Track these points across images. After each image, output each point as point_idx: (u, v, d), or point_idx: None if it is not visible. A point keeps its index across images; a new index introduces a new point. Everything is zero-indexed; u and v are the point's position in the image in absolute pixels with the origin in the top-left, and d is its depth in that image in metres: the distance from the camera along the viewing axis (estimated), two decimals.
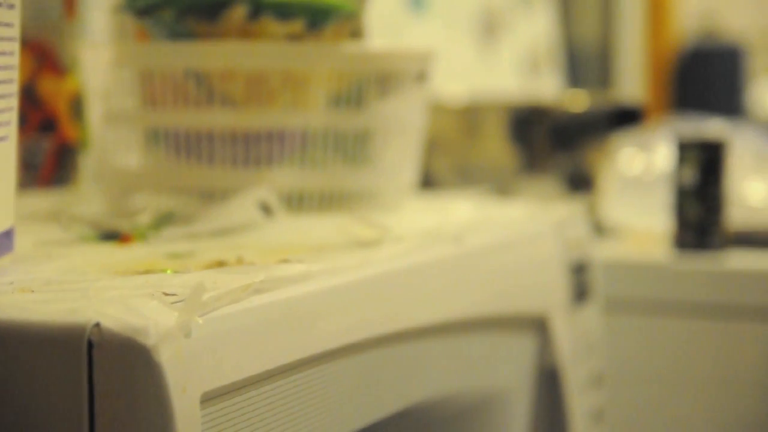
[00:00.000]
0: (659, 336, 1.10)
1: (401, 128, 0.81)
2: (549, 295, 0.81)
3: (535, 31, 1.47)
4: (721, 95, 2.37)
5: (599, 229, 1.21)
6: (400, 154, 0.81)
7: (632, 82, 2.32)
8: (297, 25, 0.76)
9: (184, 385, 0.44)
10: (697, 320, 1.09)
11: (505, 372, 0.77)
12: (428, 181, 1.14)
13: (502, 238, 0.77)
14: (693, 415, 1.09)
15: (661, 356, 1.10)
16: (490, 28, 1.40)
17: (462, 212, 0.84)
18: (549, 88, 1.49)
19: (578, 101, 1.20)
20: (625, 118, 1.11)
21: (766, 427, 1.07)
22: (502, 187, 1.14)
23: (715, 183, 1.08)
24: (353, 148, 0.78)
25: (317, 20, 0.76)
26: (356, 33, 0.80)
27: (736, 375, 1.08)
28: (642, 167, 1.33)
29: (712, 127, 1.42)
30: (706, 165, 1.07)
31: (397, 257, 0.63)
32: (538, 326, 0.80)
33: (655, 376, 1.10)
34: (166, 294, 0.47)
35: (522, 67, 1.45)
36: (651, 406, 1.10)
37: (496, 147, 1.16)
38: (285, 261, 0.56)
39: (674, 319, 1.10)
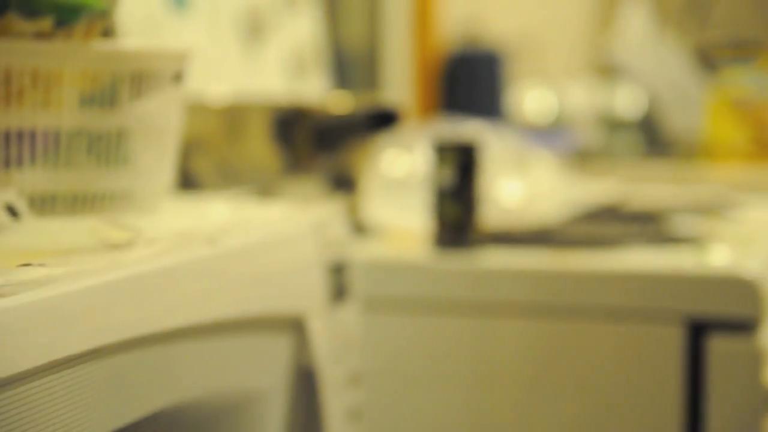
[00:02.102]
0: (419, 334, 1.12)
1: (157, 129, 0.80)
2: (306, 295, 0.81)
3: (301, 32, 1.48)
4: (485, 98, 2.43)
5: (361, 229, 1.22)
6: (157, 155, 0.80)
7: (399, 84, 2.36)
8: (45, 23, 0.74)
9: None
10: (455, 318, 1.11)
11: (261, 373, 0.77)
12: (190, 183, 1.13)
13: (259, 240, 0.77)
14: (452, 412, 1.11)
15: (420, 354, 1.12)
16: (254, 29, 1.40)
17: (219, 214, 0.84)
18: (315, 90, 1.50)
19: (341, 103, 1.21)
20: (386, 119, 1.13)
21: (523, 422, 1.10)
22: (265, 189, 1.14)
23: (471, 184, 1.10)
24: (107, 148, 0.77)
25: (66, 18, 0.74)
26: (109, 31, 0.79)
27: (493, 371, 1.10)
28: (403, 168, 1.36)
29: (470, 128, 1.45)
30: (462, 166, 1.10)
31: (147, 259, 0.63)
32: (296, 327, 0.80)
33: (415, 374, 1.12)
34: None
35: (288, 68, 1.45)
36: (411, 404, 1.12)
37: (259, 148, 1.16)
38: (26, 265, 0.55)
39: (433, 317, 1.12)
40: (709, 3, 2.91)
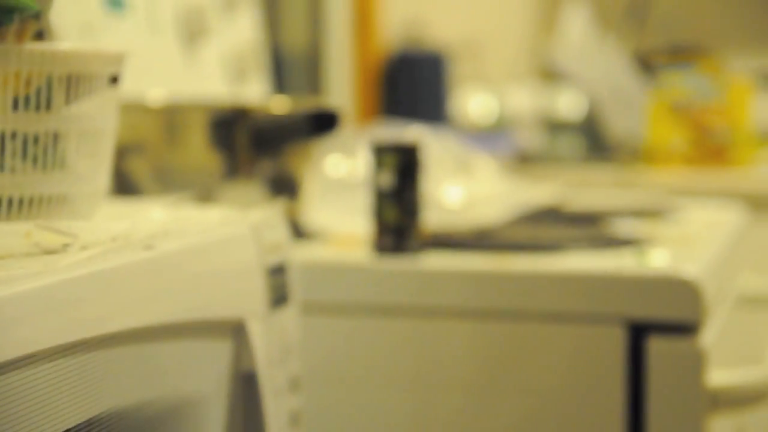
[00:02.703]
0: (360, 337, 1.12)
1: (93, 132, 0.79)
2: (246, 299, 0.81)
3: (241, 36, 1.47)
4: (427, 101, 2.44)
5: (302, 232, 1.21)
6: (93, 158, 0.79)
7: (340, 88, 2.35)
8: None
9: None
10: (397, 321, 1.11)
11: (200, 378, 0.76)
12: (127, 187, 1.12)
13: (196, 243, 0.76)
14: (394, 415, 1.11)
15: (362, 357, 1.12)
16: (194, 32, 1.39)
17: (156, 218, 0.83)
18: (256, 93, 1.49)
19: (281, 106, 1.20)
20: (327, 123, 1.12)
21: (466, 425, 1.10)
22: (204, 193, 1.13)
23: (411, 187, 1.10)
24: (42, 152, 0.76)
25: None
26: (43, 33, 0.78)
27: (435, 374, 1.10)
28: (345, 171, 1.35)
29: (411, 132, 1.45)
30: (401, 169, 1.10)
31: (82, 264, 0.62)
32: (235, 331, 0.80)
33: (356, 377, 1.12)
34: None
35: (228, 72, 1.44)
36: (353, 409, 1.12)
37: (198, 151, 1.15)
38: None
39: (374, 320, 1.11)
40: (647, 9, 2.94)
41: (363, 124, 2.31)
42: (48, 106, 0.75)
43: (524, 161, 2.55)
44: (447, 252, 1.15)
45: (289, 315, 0.87)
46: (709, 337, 1.07)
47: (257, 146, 1.14)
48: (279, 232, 0.88)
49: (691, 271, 1.06)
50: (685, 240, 1.29)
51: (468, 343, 1.09)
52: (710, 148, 2.47)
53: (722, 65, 2.75)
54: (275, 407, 0.83)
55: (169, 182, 1.14)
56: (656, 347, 1.05)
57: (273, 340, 0.84)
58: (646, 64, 2.76)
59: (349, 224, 1.26)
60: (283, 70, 2.22)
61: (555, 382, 1.07)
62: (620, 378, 1.06)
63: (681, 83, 2.50)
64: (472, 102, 2.69)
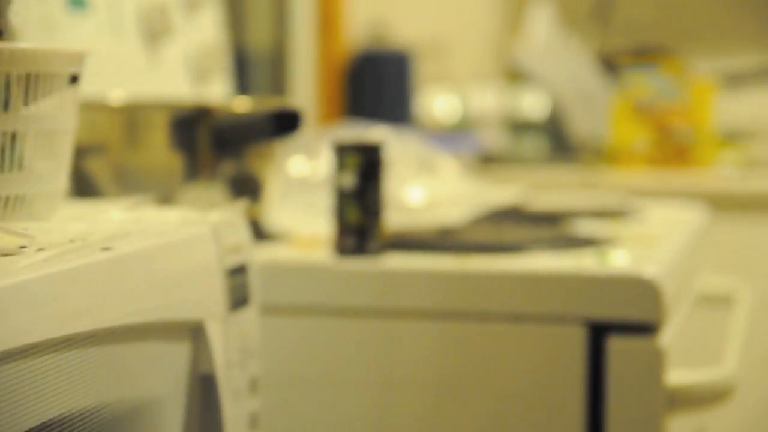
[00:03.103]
0: (321, 338, 1.12)
1: (52, 132, 0.79)
2: (205, 301, 0.81)
3: (204, 36, 1.47)
4: (391, 102, 2.43)
5: (264, 234, 1.21)
6: (51, 159, 0.79)
7: (304, 89, 2.35)
8: None
9: None
10: (359, 322, 1.11)
11: (158, 380, 0.75)
12: (86, 188, 1.11)
13: (155, 245, 0.76)
14: (356, 417, 1.11)
15: (323, 359, 1.12)
16: (156, 32, 1.38)
17: (115, 219, 0.83)
18: (218, 94, 1.49)
19: (241, 106, 1.20)
20: (289, 123, 1.12)
21: (429, 426, 1.10)
22: (165, 194, 1.13)
23: (373, 187, 1.10)
24: (0, 152, 0.75)
25: None
26: (2, 32, 0.77)
27: (397, 374, 1.10)
28: (307, 172, 1.35)
29: (374, 132, 1.45)
30: (363, 169, 1.10)
31: (39, 265, 0.61)
32: (194, 333, 0.80)
33: (317, 378, 1.12)
34: None
35: (190, 72, 1.44)
36: (313, 410, 1.12)
37: (159, 151, 1.14)
38: None
39: (336, 321, 1.11)
40: (611, 10, 2.95)
41: (327, 125, 2.31)
42: (6, 106, 0.75)
43: (488, 161, 2.55)
44: (409, 253, 1.15)
45: (249, 316, 0.87)
46: (668, 336, 1.08)
47: (219, 146, 1.14)
48: (240, 233, 0.87)
49: (651, 271, 1.06)
50: (646, 240, 1.29)
51: (430, 343, 1.09)
52: (673, 148, 2.48)
53: (685, 66, 2.77)
54: (234, 409, 0.83)
55: (130, 183, 1.13)
56: (616, 347, 1.05)
57: (232, 341, 0.83)
58: (610, 65, 2.77)
59: (311, 225, 1.26)
60: (247, 71, 2.22)
61: (517, 382, 1.08)
62: (581, 377, 1.06)
63: (644, 84, 2.52)
64: (437, 102, 2.69)
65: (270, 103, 1.16)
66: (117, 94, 1.17)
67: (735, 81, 2.79)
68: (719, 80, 2.69)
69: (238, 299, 0.85)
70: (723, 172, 2.54)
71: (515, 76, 2.78)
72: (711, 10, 3.02)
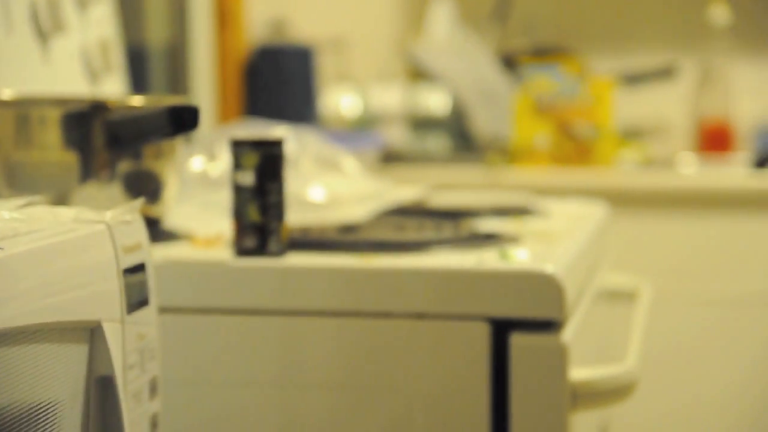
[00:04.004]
0: (224, 339, 1.10)
1: None
2: (102, 301, 0.79)
3: (98, 33, 1.44)
4: (294, 100, 2.42)
5: (163, 233, 1.19)
6: None
7: (205, 86, 2.33)
8: None
9: None
10: (261, 320, 1.10)
11: (55, 382, 0.74)
12: None
13: (49, 245, 0.74)
14: (260, 417, 1.10)
15: (226, 359, 1.10)
16: (49, 29, 1.35)
17: (5, 219, 0.80)
18: (114, 92, 1.46)
19: (138, 104, 1.18)
20: (186, 119, 1.10)
21: (332, 425, 1.09)
22: (60, 194, 1.10)
23: (273, 185, 1.09)
24: None
25: None
26: None
27: (301, 373, 1.09)
28: (207, 170, 1.33)
29: (274, 130, 1.44)
30: (262, 167, 1.08)
31: None
32: (91, 334, 0.78)
33: (221, 379, 1.10)
34: None
35: (85, 70, 1.41)
36: (216, 411, 1.10)
37: (52, 150, 1.12)
38: None
39: (237, 321, 1.10)
40: (510, 9, 2.97)
41: (227, 123, 2.29)
42: None
43: (390, 160, 2.55)
44: (311, 251, 1.14)
45: (148, 317, 0.85)
46: (571, 332, 1.08)
47: (114, 144, 1.12)
48: (137, 232, 0.86)
49: (553, 268, 1.07)
50: (547, 237, 1.30)
51: (333, 342, 1.09)
52: (574, 146, 2.51)
53: (585, 65, 2.80)
54: (134, 411, 0.81)
55: (22, 183, 1.10)
56: (518, 343, 1.06)
57: (131, 342, 0.82)
58: (511, 64, 2.79)
59: (212, 224, 1.25)
60: (146, 68, 2.19)
61: (421, 380, 1.07)
62: (485, 375, 1.06)
63: (545, 83, 2.53)
64: (339, 100, 2.68)
65: (167, 101, 1.14)
66: (7, 90, 1.14)
67: (633, 80, 2.82)
68: (618, 79, 2.72)
69: (137, 299, 0.83)
70: (623, 170, 2.57)
71: (418, 74, 2.78)
72: (609, 10, 3.05)
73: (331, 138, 1.64)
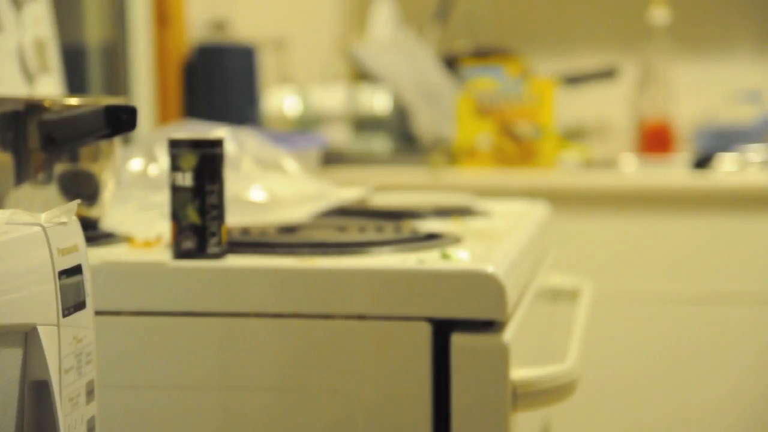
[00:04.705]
0: (163, 341, 1.09)
1: None
2: (37, 304, 0.77)
3: (33, 33, 1.42)
4: (235, 101, 2.41)
5: (101, 234, 1.18)
6: None
7: (144, 86, 2.31)
8: None
9: None
10: (200, 322, 1.09)
11: None
12: None
13: None
14: (200, 419, 1.09)
15: (165, 361, 1.09)
16: None
17: None
18: (51, 92, 1.44)
19: (74, 105, 1.16)
20: (124, 119, 1.08)
21: (273, 427, 1.08)
22: None
23: (211, 186, 1.08)
24: None
25: None
26: None
27: (241, 375, 1.08)
28: (145, 171, 1.32)
29: (213, 131, 1.43)
30: (201, 167, 1.07)
31: None
32: (26, 337, 0.76)
33: (160, 381, 1.09)
34: None
35: (22, 70, 1.39)
36: (156, 414, 1.09)
37: None
38: None
39: (176, 323, 1.09)
40: (451, 10, 2.98)
41: (166, 123, 2.27)
42: None
43: (333, 160, 2.54)
44: (251, 252, 1.14)
45: (84, 319, 0.84)
46: (512, 332, 1.08)
47: (50, 145, 1.10)
48: (73, 233, 0.84)
49: (494, 268, 1.07)
50: (488, 237, 1.30)
51: (274, 344, 1.08)
52: (516, 147, 2.51)
53: (527, 66, 2.81)
54: (70, 416, 0.80)
55: None
56: (459, 343, 1.05)
57: (67, 345, 0.80)
58: (453, 65, 2.79)
59: (151, 225, 1.23)
60: (84, 68, 2.17)
61: (363, 381, 1.07)
62: (427, 375, 1.06)
63: (487, 83, 2.54)
64: (281, 100, 2.67)
65: (104, 101, 1.12)
66: None
67: (575, 81, 2.84)
68: (560, 80, 2.73)
69: (73, 302, 0.82)
70: (565, 170, 2.58)
71: (360, 74, 2.78)
72: (551, 11, 3.07)
73: (272, 138, 1.64)
